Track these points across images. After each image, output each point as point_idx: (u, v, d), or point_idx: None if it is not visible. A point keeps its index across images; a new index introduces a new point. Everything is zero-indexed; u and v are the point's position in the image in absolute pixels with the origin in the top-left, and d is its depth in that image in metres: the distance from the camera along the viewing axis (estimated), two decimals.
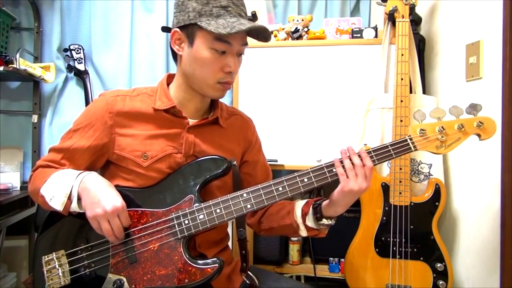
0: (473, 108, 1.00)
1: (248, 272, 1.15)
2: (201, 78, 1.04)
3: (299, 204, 1.13)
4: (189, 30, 1.02)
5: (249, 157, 1.22)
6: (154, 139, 1.07)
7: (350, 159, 1.00)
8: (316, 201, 1.11)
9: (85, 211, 0.95)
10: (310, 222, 1.09)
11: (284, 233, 1.19)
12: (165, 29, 1.14)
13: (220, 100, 1.18)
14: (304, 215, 1.10)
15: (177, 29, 1.04)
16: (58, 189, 0.96)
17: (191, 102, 1.10)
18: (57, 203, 0.95)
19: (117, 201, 0.95)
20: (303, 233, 1.11)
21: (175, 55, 1.11)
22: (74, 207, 0.96)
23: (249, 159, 1.22)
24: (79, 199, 0.96)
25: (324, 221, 1.07)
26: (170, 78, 1.15)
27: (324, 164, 1.01)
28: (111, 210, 0.93)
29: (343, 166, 1.00)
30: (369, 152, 1.01)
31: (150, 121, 1.08)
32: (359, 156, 1.00)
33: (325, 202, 1.07)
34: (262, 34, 1.03)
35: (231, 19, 0.99)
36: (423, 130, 1.01)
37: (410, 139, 1.01)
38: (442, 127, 1.00)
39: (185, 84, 1.09)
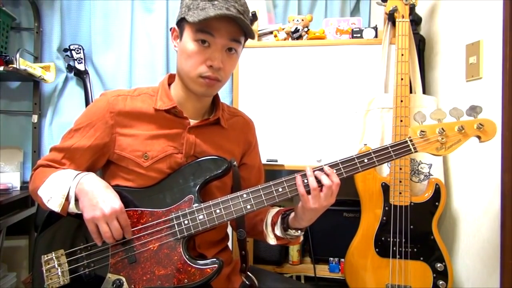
0: (473, 110, 1.00)
1: (248, 272, 1.15)
2: (185, 72, 1.04)
3: (271, 213, 1.14)
4: (180, 25, 1.04)
5: (247, 159, 1.22)
6: (155, 139, 1.07)
7: (315, 176, 0.98)
8: (286, 211, 1.11)
9: (82, 213, 0.95)
10: (278, 231, 1.10)
11: (258, 238, 1.20)
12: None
13: (221, 100, 1.19)
14: (273, 224, 1.11)
15: (175, 26, 1.06)
16: (55, 190, 0.96)
17: (189, 101, 1.10)
18: (54, 204, 0.95)
19: (116, 203, 0.95)
20: (272, 241, 1.12)
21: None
22: (72, 208, 0.96)
23: (248, 162, 1.22)
24: (76, 200, 0.96)
25: (290, 232, 1.07)
26: (171, 78, 1.15)
27: (324, 165, 1.01)
28: (110, 213, 0.93)
29: (307, 184, 0.98)
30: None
31: (151, 121, 1.08)
32: (325, 173, 0.97)
33: (292, 214, 1.07)
34: (247, 28, 1.00)
35: (214, 10, 0.96)
36: (423, 131, 1.01)
37: (411, 140, 1.01)
38: (442, 129, 1.00)
39: (180, 82, 1.09)
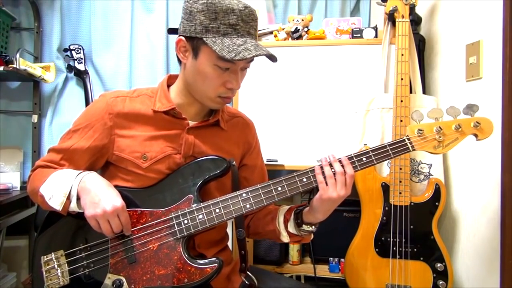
0: (470, 108, 1.02)
1: (248, 272, 1.15)
2: (202, 91, 1.04)
3: (283, 210, 1.14)
4: (194, 42, 1.00)
5: (248, 160, 1.22)
6: (153, 140, 1.06)
7: (331, 166, 1.00)
8: (299, 207, 1.11)
9: (83, 211, 0.95)
10: (291, 228, 1.10)
11: (269, 238, 1.20)
12: (171, 31, 1.13)
13: None
14: (286, 221, 1.11)
15: (183, 38, 1.02)
16: (57, 188, 0.96)
17: (192, 107, 1.11)
18: (56, 203, 0.95)
19: (117, 201, 0.95)
20: (285, 239, 1.12)
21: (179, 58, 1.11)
22: (73, 206, 0.96)
23: (248, 163, 1.22)
24: (78, 198, 0.96)
25: (304, 227, 1.08)
26: (171, 79, 1.15)
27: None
28: (111, 210, 0.93)
29: (323, 173, 0.99)
30: (351, 158, 1.01)
31: (150, 123, 1.08)
32: (341, 163, 1.00)
33: (306, 209, 1.07)
34: (269, 59, 1.04)
35: (238, 39, 0.96)
36: (420, 130, 1.02)
37: (408, 139, 1.02)
38: (440, 127, 1.01)
39: (186, 90, 1.09)
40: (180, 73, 1.11)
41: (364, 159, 1.01)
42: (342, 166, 0.99)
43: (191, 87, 1.07)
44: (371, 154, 1.01)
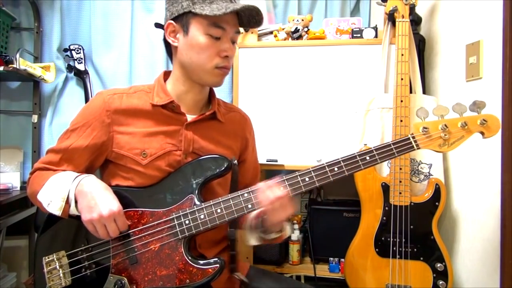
0: (477, 105, 0.99)
1: (236, 274, 1.13)
2: (198, 65, 1.05)
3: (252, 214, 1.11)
4: (183, 19, 1.03)
5: (245, 156, 1.23)
6: (152, 136, 1.07)
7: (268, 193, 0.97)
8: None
9: (80, 215, 0.95)
10: (260, 233, 1.09)
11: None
12: (158, 25, 1.15)
13: (218, 97, 1.20)
14: (253, 226, 1.10)
15: (171, 21, 1.05)
16: (55, 193, 0.96)
17: (189, 94, 1.11)
18: (54, 208, 0.95)
19: (114, 205, 0.94)
20: (254, 242, 1.11)
21: (169, 50, 1.12)
22: (73, 210, 0.96)
23: (246, 158, 1.23)
24: (76, 202, 0.96)
25: (271, 235, 1.07)
26: (166, 75, 1.16)
27: (326, 163, 1.00)
28: (107, 215, 0.92)
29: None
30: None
31: (148, 118, 1.08)
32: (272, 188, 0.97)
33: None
34: (255, 18, 1.06)
35: (223, 3, 1.00)
36: (426, 128, 1.00)
37: (413, 137, 1.00)
38: (445, 125, 0.99)
39: (183, 76, 1.10)
40: (173, 62, 1.12)
41: (367, 158, 0.99)
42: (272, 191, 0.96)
43: (187, 67, 1.07)
44: (375, 153, 1.00)
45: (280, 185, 0.97)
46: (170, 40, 1.07)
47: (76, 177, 0.99)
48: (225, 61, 1.06)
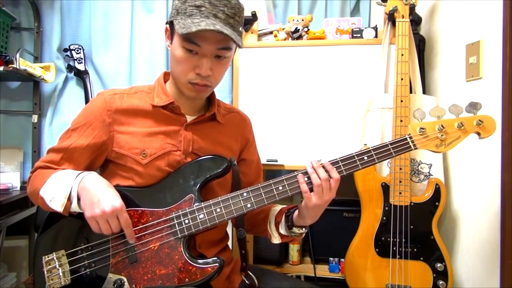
0: (473, 106, 1.01)
1: (248, 271, 1.15)
2: (176, 77, 1.06)
3: (274, 211, 1.15)
4: (171, 27, 1.03)
5: (246, 155, 1.23)
6: (153, 136, 1.07)
7: (316, 172, 0.99)
8: (289, 209, 1.12)
9: (83, 211, 0.95)
10: (283, 230, 1.11)
11: (259, 235, 1.22)
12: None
13: (218, 98, 1.20)
14: (277, 223, 1.12)
15: (167, 25, 1.06)
16: (57, 190, 0.96)
17: (184, 99, 1.10)
18: (57, 204, 0.95)
19: (116, 201, 0.95)
20: (276, 240, 1.13)
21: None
22: (74, 207, 0.96)
23: (247, 158, 1.23)
24: (78, 199, 0.96)
25: (295, 229, 1.09)
26: (166, 75, 1.16)
27: (323, 163, 1.01)
28: (110, 211, 0.93)
29: (309, 181, 0.99)
30: (336, 163, 1.01)
31: (149, 118, 1.08)
32: (324, 168, 0.99)
33: (296, 213, 1.07)
34: (227, 40, 0.96)
35: (199, 19, 0.94)
36: (423, 128, 1.01)
37: (410, 137, 1.02)
38: (442, 126, 1.01)
39: (173, 80, 1.11)
40: None
41: (365, 158, 1.01)
42: (326, 171, 0.99)
43: (171, 74, 1.09)
44: (372, 153, 1.01)
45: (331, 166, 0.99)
46: (167, 43, 1.07)
47: (79, 174, 0.99)
48: (198, 78, 1.01)
